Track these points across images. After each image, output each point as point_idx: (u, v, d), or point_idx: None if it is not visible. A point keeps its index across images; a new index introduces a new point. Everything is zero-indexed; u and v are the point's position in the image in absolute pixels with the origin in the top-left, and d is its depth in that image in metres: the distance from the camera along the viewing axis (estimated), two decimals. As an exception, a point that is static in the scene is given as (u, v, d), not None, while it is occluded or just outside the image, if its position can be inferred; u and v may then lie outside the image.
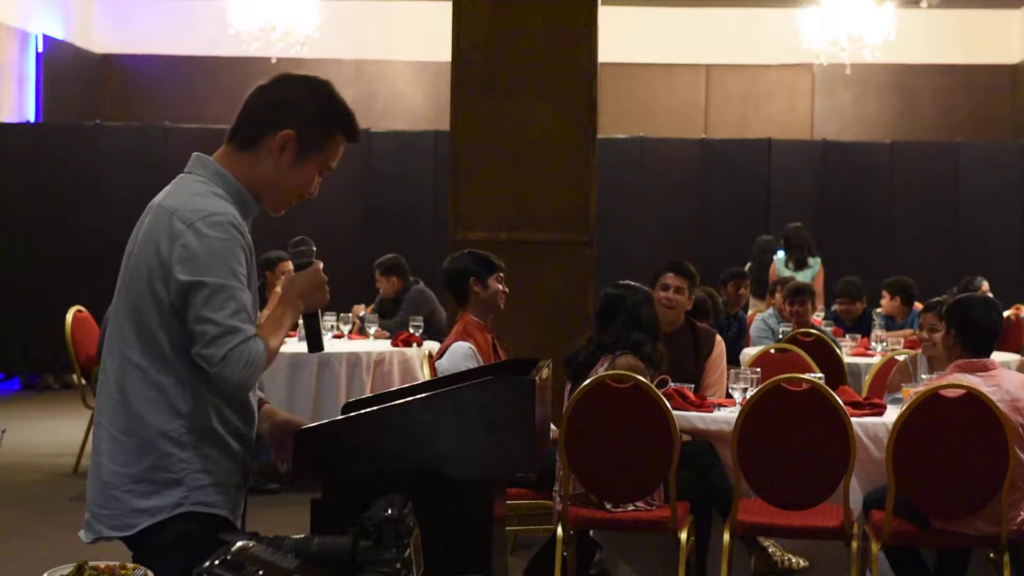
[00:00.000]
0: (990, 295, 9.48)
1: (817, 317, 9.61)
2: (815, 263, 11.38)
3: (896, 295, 9.40)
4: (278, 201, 2.83)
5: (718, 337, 6.20)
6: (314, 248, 2.87)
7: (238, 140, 2.81)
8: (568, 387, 5.41)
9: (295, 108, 2.78)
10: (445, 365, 5.59)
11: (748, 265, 11.45)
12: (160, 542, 2.67)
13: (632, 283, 5.55)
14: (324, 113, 2.80)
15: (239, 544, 2.02)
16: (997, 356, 5.43)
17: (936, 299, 6.54)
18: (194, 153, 2.84)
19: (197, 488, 2.69)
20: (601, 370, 5.22)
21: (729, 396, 5.72)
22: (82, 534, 2.78)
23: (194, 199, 2.69)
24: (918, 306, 8.80)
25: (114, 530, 2.71)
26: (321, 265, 2.86)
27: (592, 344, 5.41)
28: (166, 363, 2.67)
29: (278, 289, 3.36)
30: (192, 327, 2.63)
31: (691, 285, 6.16)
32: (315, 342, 2.94)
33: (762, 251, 11.77)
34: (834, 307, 9.70)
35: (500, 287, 5.79)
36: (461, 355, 5.57)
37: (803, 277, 10.84)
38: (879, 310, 9.78)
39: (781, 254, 11.77)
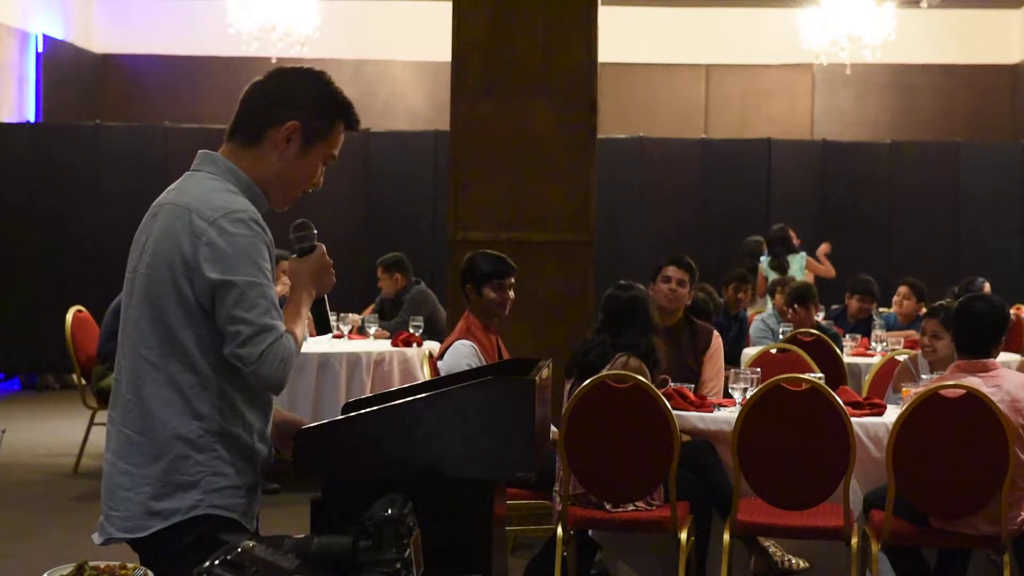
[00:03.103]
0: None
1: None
2: (798, 259, 11.31)
3: (921, 300, 9.17)
4: (285, 194, 2.82)
5: (715, 332, 6.23)
6: (315, 231, 2.86)
7: (240, 136, 2.79)
8: (568, 386, 5.41)
9: (296, 99, 2.77)
10: (446, 363, 5.58)
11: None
12: (174, 546, 2.64)
13: (638, 284, 5.59)
14: (325, 101, 2.80)
15: (239, 544, 2.02)
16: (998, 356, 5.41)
17: (938, 304, 6.52)
18: (201, 151, 2.81)
19: (212, 491, 2.66)
20: (604, 370, 5.22)
21: (729, 396, 5.72)
22: (95, 536, 2.75)
23: (211, 196, 2.67)
24: (923, 310, 8.74)
25: (125, 532, 2.68)
26: (324, 248, 2.85)
27: (605, 344, 5.40)
28: (188, 363, 2.64)
29: (279, 288, 3.33)
30: (224, 327, 2.61)
31: (691, 280, 6.21)
32: (323, 324, 2.96)
33: (750, 254, 11.76)
34: (847, 303, 9.57)
35: (494, 295, 5.72)
36: (462, 353, 5.57)
37: (797, 276, 10.80)
38: (882, 310, 9.74)
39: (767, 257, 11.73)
